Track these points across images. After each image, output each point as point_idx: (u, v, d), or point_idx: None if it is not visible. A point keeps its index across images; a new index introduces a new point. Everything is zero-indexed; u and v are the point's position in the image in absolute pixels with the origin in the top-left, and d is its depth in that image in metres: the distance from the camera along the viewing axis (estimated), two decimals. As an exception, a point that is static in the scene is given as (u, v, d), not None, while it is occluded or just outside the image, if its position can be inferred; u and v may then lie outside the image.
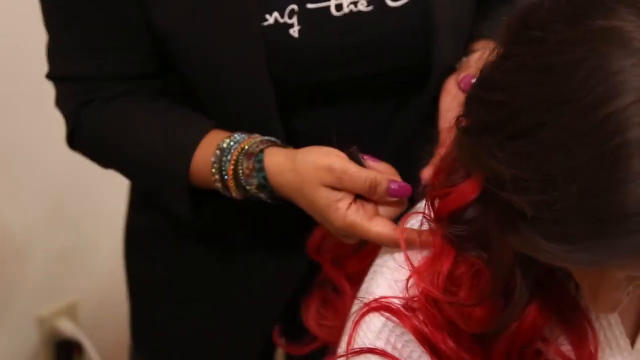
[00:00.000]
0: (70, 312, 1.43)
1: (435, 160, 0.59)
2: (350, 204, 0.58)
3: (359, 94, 0.71)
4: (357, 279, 0.64)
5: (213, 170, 0.65)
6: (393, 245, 0.57)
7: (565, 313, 0.51)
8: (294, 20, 0.66)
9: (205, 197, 0.70)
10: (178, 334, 0.86)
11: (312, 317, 0.68)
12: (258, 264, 0.81)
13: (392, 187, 0.57)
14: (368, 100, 0.72)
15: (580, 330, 0.52)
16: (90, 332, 1.42)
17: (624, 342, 0.54)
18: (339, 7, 0.67)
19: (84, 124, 0.71)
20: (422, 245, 0.56)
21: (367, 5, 0.67)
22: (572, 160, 0.39)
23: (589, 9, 0.41)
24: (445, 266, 0.51)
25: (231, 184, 0.65)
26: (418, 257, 0.53)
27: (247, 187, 0.65)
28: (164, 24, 0.65)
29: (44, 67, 0.73)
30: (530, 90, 0.42)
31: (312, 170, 0.59)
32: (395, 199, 0.59)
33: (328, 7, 0.66)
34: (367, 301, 0.53)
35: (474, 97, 0.47)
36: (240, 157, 0.63)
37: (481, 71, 0.47)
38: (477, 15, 0.73)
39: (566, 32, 0.41)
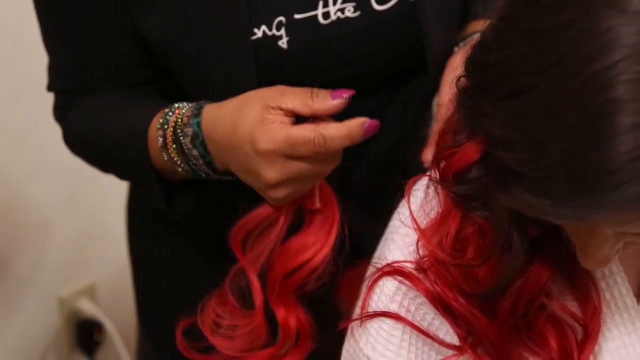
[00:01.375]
0: (90, 292, 1.46)
1: (433, 138, 0.60)
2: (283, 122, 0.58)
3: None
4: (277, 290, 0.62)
5: (158, 125, 0.64)
6: (318, 143, 0.56)
7: (568, 270, 0.52)
8: (282, 32, 0.66)
9: (179, 190, 0.70)
10: (178, 317, 0.86)
11: (207, 317, 0.66)
12: None
13: (334, 92, 0.58)
14: (360, 96, 0.71)
15: (583, 286, 0.53)
16: (110, 312, 1.44)
17: (631, 300, 0.55)
18: (326, 15, 0.67)
19: (68, 128, 0.74)
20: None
21: (354, 12, 0.67)
22: (558, 119, 0.39)
23: None
24: (453, 227, 0.52)
25: (169, 136, 0.64)
26: (425, 220, 0.54)
27: (182, 140, 0.63)
28: (155, 37, 0.65)
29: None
30: (522, 51, 0.42)
31: (258, 91, 0.59)
32: (337, 100, 0.58)
33: (315, 16, 0.66)
34: (380, 266, 0.54)
35: (472, 58, 0.48)
36: (185, 108, 0.63)
37: (481, 34, 0.47)
38: None
39: None
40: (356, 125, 0.56)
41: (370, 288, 0.54)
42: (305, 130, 0.55)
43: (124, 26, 0.66)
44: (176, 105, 0.65)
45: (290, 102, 0.56)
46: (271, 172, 0.57)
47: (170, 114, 0.64)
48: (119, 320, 1.41)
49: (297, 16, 0.65)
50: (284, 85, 0.58)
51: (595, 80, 0.38)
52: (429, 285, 0.52)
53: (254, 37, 0.64)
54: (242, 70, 0.65)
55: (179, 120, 0.63)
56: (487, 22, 0.49)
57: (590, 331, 0.53)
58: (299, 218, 0.64)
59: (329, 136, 0.54)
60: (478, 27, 0.68)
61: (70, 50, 0.71)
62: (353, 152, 0.72)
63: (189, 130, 0.62)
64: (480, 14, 0.70)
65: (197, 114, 0.62)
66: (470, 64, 0.47)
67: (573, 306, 0.53)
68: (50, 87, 0.74)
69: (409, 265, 0.53)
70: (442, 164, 0.52)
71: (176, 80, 0.69)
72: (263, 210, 0.63)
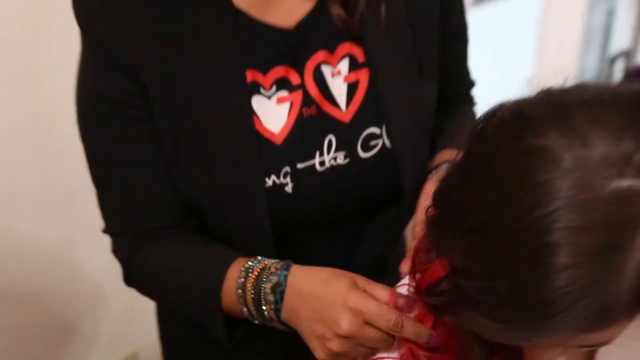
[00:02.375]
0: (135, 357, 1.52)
1: (410, 253, 0.61)
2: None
3: (342, 220, 0.76)
4: None
5: (242, 268, 0.65)
6: (397, 325, 0.58)
7: None
8: (288, 179, 0.70)
9: (238, 325, 0.71)
10: None
11: None
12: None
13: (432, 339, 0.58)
14: (350, 222, 0.78)
15: None
16: None
17: None
18: (322, 163, 0.71)
19: (134, 269, 0.75)
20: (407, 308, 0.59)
21: (344, 159, 0.71)
22: (505, 256, 0.42)
23: (523, 130, 0.44)
24: (427, 325, 0.57)
25: (252, 280, 0.65)
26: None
27: (263, 285, 0.64)
28: (185, 188, 0.70)
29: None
30: (477, 195, 0.45)
31: (346, 273, 0.61)
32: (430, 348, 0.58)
33: (313, 165, 0.71)
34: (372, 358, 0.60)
35: (439, 194, 0.51)
36: (273, 261, 0.65)
37: (447, 172, 0.50)
38: (437, 132, 0.79)
39: (505, 148, 0.45)
40: (425, 332, 0.58)
41: None
42: (392, 311, 0.57)
43: (165, 175, 0.70)
44: (259, 258, 0.67)
45: (372, 300, 0.59)
46: (348, 325, 0.58)
47: (256, 262, 0.67)
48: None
49: (299, 166, 0.69)
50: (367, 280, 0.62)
51: (535, 226, 0.41)
52: None
53: (266, 186, 0.69)
54: (257, 213, 0.70)
55: (267, 268, 0.65)
56: (454, 152, 0.51)
57: None
58: None
59: (406, 326, 0.57)
60: (445, 157, 0.72)
61: (119, 197, 0.74)
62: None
63: (274, 278, 0.64)
64: (448, 146, 0.75)
65: (287, 268, 0.64)
66: (438, 198, 0.51)
67: None
68: (105, 231, 0.76)
69: (393, 357, 0.59)
70: (417, 277, 0.54)
71: (206, 220, 0.73)
72: None
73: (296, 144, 0.69)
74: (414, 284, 0.55)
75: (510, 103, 0.48)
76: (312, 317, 0.62)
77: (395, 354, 0.60)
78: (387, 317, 0.57)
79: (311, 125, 0.70)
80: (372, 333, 0.58)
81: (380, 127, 0.71)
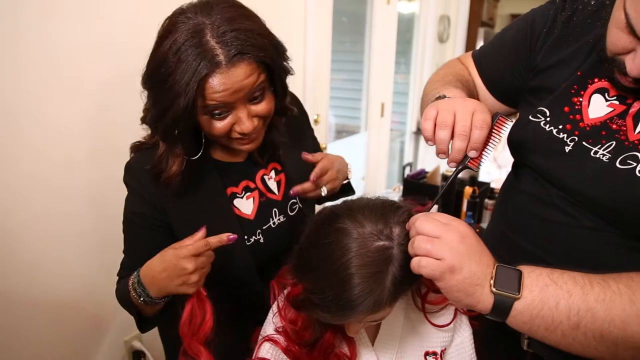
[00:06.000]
0: (139, 337, 1.88)
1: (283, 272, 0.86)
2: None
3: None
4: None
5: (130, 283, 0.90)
6: (201, 246, 0.80)
7: (343, 333, 0.82)
8: (260, 236, 1.01)
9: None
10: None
11: None
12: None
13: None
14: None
15: (349, 339, 0.84)
16: (150, 347, 1.87)
17: (367, 342, 0.86)
18: (274, 223, 1.03)
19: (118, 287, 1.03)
20: None
21: (284, 218, 1.04)
22: (329, 282, 0.63)
23: (333, 219, 0.66)
24: (299, 318, 0.80)
25: (131, 285, 0.90)
26: (287, 311, 0.84)
27: (134, 286, 0.87)
28: None
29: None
30: (314, 252, 0.67)
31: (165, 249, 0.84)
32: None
33: (270, 225, 1.02)
34: (264, 335, 0.87)
35: (300, 249, 0.72)
36: (132, 274, 0.92)
37: (301, 238, 0.72)
38: None
39: (326, 228, 0.67)
40: (225, 237, 0.83)
41: (259, 345, 0.87)
42: (200, 241, 0.82)
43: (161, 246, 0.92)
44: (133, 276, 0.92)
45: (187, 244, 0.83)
46: (189, 264, 0.82)
47: (131, 276, 0.93)
48: (155, 350, 1.82)
49: (264, 227, 1.02)
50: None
51: (341, 266, 0.61)
52: (284, 345, 0.83)
53: (248, 243, 0.99)
54: (243, 258, 0.98)
55: (133, 278, 0.92)
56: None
57: (352, 358, 0.83)
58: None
59: (210, 241, 0.82)
60: None
61: (135, 258, 0.99)
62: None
63: (134, 279, 0.91)
64: None
65: (138, 272, 0.91)
66: (295, 253, 0.74)
67: (345, 349, 0.84)
68: (119, 274, 1.03)
69: (276, 336, 0.84)
70: (286, 290, 0.83)
71: None
72: (188, 305, 0.85)
73: (260, 217, 1.02)
74: (283, 296, 0.83)
75: (329, 207, 0.70)
76: (169, 278, 0.83)
77: (278, 336, 0.84)
78: (198, 235, 0.85)
79: (265, 205, 1.05)
80: (202, 259, 0.83)
81: (296, 198, 1.09)
